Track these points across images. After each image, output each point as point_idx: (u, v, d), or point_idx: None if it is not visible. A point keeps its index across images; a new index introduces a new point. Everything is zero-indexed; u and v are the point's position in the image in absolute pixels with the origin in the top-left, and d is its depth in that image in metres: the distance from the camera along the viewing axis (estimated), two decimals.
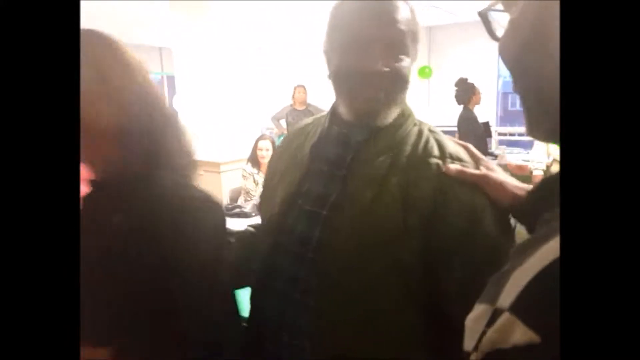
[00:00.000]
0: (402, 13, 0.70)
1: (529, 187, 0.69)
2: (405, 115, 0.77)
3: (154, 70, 8.07)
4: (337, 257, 0.70)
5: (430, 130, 0.78)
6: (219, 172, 3.90)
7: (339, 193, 0.73)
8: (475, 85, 4.06)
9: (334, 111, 0.80)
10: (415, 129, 0.76)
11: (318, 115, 0.88)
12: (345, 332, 0.70)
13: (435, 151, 0.73)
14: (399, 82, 0.72)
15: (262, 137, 3.39)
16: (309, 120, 0.90)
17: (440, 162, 0.72)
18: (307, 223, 0.75)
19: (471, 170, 0.71)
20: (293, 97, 5.16)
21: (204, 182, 4.07)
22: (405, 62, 0.71)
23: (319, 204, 0.75)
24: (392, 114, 0.74)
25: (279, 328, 0.75)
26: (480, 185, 0.70)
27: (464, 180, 0.70)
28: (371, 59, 0.68)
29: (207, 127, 3.95)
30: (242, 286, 0.86)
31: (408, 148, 0.73)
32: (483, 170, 0.72)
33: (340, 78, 0.72)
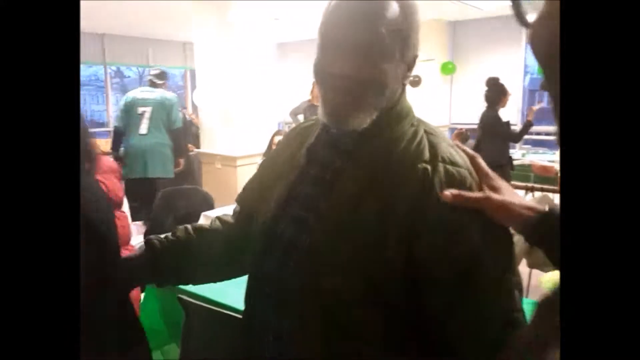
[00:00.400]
0: (386, 14, 0.66)
1: (540, 207, 0.66)
2: (401, 116, 0.74)
3: (177, 65, 8.19)
4: (319, 265, 0.70)
5: (427, 132, 0.73)
6: (236, 167, 3.93)
7: (326, 199, 0.72)
8: (506, 86, 3.97)
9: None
10: (412, 130, 0.73)
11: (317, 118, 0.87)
12: (325, 338, 0.70)
13: (426, 154, 0.69)
14: (372, 87, 0.68)
15: (277, 133, 3.39)
16: (310, 120, 0.88)
17: (428, 167, 0.67)
18: (295, 228, 0.74)
19: (470, 194, 0.66)
20: (311, 92, 5.15)
21: (221, 175, 4.13)
22: (385, 65, 0.67)
23: (305, 208, 0.74)
24: (366, 119, 0.70)
25: (266, 329, 0.77)
26: (481, 209, 0.66)
27: (463, 206, 0.65)
28: (341, 62, 0.66)
29: (225, 122, 3.98)
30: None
31: (398, 151, 0.70)
32: (486, 192, 0.67)
33: (316, 80, 0.71)
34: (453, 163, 0.69)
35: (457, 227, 0.66)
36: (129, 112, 3.59)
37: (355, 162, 0.72)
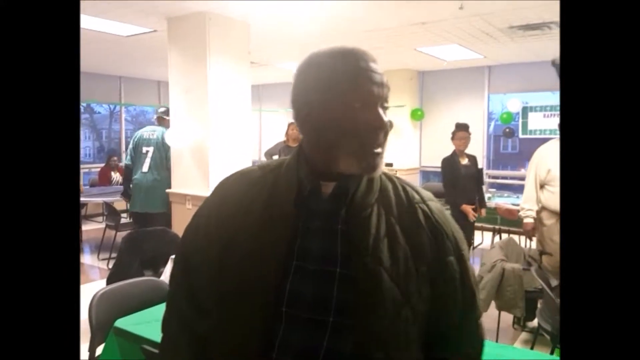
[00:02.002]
0: (384, 77, 0.76)
1: None
2: None
3: (151, 104, 8.17)
4: (365, 316, 0.70)
5: (396, 177, 0.83)
6: None
7: (344, 248, 0.73)
8: (458, 127, 4.16)
9: (312, 165, 0.77)
10: (384, 177, 0.81)
11: (265, 166, 0.84)
12: None
13: (417, 197, 0.80)
14: (387, 135, 0.75)
15: None
16: (254, 171, 0.84)
17: (424, 206, 0.79)
18: (319, 284, 0.72)
19: None
20: (287, 133, 5.23)
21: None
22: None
23: (326, 262, 0.73)
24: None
25: None
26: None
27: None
28: (379, 116, 0.73)
29: (197, 161, 3.96)
30: None
31: (392, 196, 0.78)
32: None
33: (345, 131, 0.72)
34: (432, 199, 0.82)
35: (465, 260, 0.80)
36: (136, 150, 4.20)
37: (363, 208, 0.75)
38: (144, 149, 4.14)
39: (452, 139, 4.14)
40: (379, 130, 0.73)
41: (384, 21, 4.07)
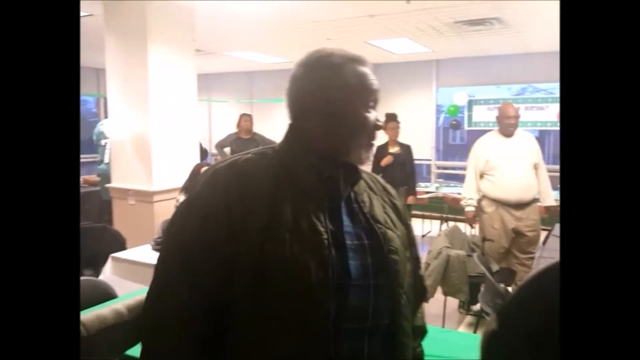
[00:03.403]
0: None
1: None
2: None
3: (90, 92, 7.72)
4: (392, 271, 0.87)
5: None
6: (152, 202, 3.71)
7: (365, 223, 0.87)
8: (388, 117, 4.33)
9: (322, 153, 0.86)
10: None
11: (260, 153, 0.87)
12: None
13: (373, 175, 1.01)
14: None
15: (203, 165, 3.28)
16: (254, 159, 0.85)
17: (380, 181, 1.01)
18: (357, 257, 0.84)
19: None
20: (238, 125, 5.10)
21: (136, 212, 3.87)
22: None
23: (358, 237, 0.86)
24: None
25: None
26: None
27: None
28: (377, 117, 0.88)
29: (141, 155, 3.77)
30: None
31: (366, 177, 0.96)
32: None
33: (356, 129, 0.86)
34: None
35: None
36: (97, 144, 4.72)
37: (360, 187, 0.92)
38: (102, 142, 4.55)
39: (384, 129, 4.30)
40: (378, 128, 0.89)
41: (333, 12, 4.04)
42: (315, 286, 0.76)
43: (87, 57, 6.55)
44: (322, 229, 0.79)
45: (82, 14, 4.07)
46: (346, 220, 0.85)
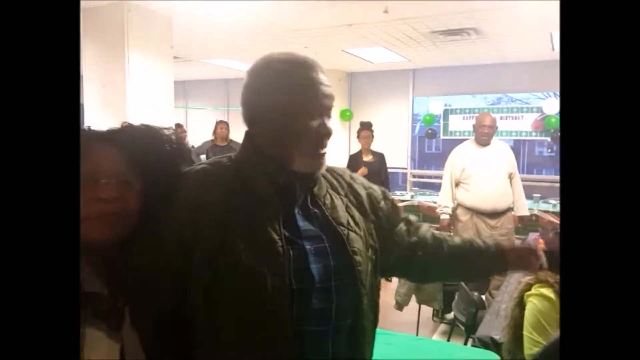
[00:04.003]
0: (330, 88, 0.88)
1: None
2: None
3: None
4: (350, 263, 0.87)
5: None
6: None
7: (327, 229, 0.87)
8: (362, 125, 4.39)
9: (275, 161, 0.85)
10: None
11: (223, 162, 0.89)
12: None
13: (345, 173, 1.02)
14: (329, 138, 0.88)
15: None
16: (209, 170, 0.86)
17: (351, 177, 1.02)
18: (319, 260, 0.84)
19: None
20: (215, 132, 5.05)
21: None
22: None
23: (317, 239, 0.85)
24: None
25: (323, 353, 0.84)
26: None
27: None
28: (326, 125, 0.85)
29: None
30: None
31: (332, 179, 0.97)
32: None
33: (300, 137, 0.83)
34: (349, 172, 1.05)
35: None
36: None
37: (324, 194, 0.92)
38: None
39: (358, 137, 4.38)
40: (327, 137, 0.86)
41: (310, 21, 4.06)
42: (272, 294, 0.76)
43: None
44: (276, 237, 0.79)
45: None
46: (305, 225, 0.85)
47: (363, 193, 0.99)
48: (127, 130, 0.86)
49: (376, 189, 1.04)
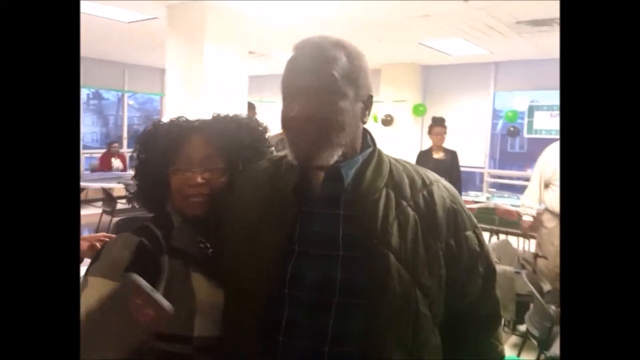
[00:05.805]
0: (335, 62, 0.75)
1: None
2: (376, 151, 0.83)
3: (155, 91, 8.15)
4: (374, 296, 0.72)
5: (406, 162, 0.85)
6: None
7: (348, 231, 0.75)
8: (434, 121, 4.19)
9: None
10: (394, 161, 0.83)
11: (274, 158, 0.90)
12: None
13: (429, 178, 0.82)
14: (332, 125, 0.74)
15: None
16: (263, 163, 0.90)
17: (437, 187, 0.81)
18: (321, 266, 0.74)
19: None
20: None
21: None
22: (342, 104, 0.75)
23: (328, 246, 0.75)
24: (333, 155, 0.75)
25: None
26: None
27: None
28: (301, 106, 0.74)
29: None
30: None
31: (405, 179, 0.80)
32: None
33: (282, 126, 0.77)
34: (438, 180, 0.83)
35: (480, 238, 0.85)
36: None
37: (365, 193, 0.76)
38: None
39: (429, 133, 4.19)
40: (306, 120, 0.75)
41: (385, 13, 3.97)
42: (252, 295, 0.75)
43: (153, 58, 6.93)
44: (274, 236, 0.76)
45: (147, 17, 4.30)
46: (318, 228, 0.76)
47: (444, 213, 0.80)
48: (218, 120, 0.97)
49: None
